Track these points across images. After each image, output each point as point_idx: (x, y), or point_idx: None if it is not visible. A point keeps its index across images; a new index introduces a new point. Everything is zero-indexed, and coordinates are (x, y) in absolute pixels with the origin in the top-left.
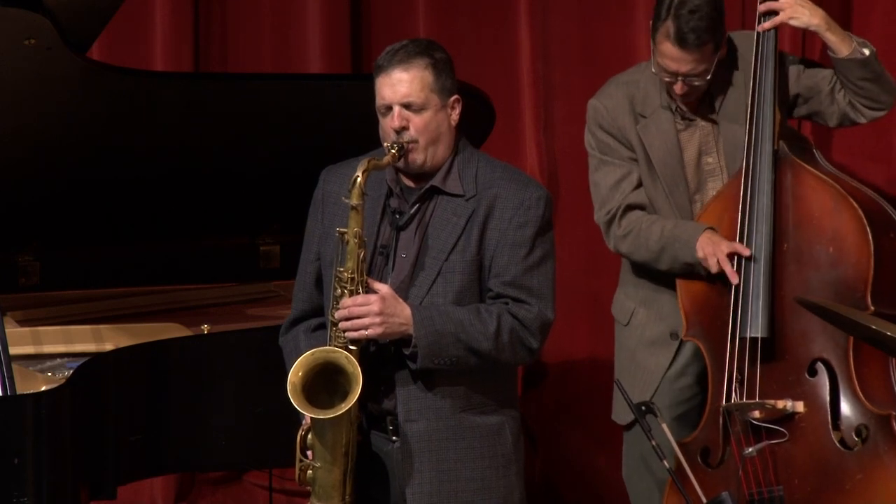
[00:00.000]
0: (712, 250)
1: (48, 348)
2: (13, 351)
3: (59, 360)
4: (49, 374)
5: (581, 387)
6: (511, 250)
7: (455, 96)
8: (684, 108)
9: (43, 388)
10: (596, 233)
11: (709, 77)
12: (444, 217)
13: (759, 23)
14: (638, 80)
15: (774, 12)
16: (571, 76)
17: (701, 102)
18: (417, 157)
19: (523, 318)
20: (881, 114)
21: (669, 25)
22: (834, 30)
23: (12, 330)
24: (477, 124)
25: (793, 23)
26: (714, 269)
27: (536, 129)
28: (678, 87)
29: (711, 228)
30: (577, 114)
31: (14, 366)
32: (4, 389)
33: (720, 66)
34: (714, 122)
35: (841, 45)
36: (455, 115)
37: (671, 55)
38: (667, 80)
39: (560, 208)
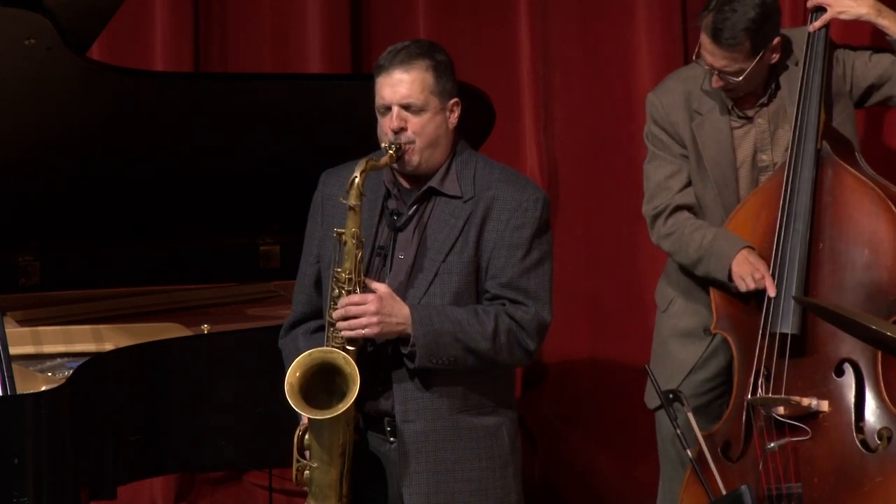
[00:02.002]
0: (748, 270)
1: (48, 348)
2: (13, 351)
3: (59, 360)
4: (49, 374)
5: (581, 387)
6: (508, 252)
7: (455, 99)
8: (734, 104)
9: (43, 388)
10: (597, 232)
11: (742, 78)
12: (442, 218)
13: (811, 21)
14: (697, 75)
15: (823, 8)
16: (571, 76)
17: (759, 98)
18: (413, 159)
19: (520, 319)
20: None
21: (710, 18)
22: (885, 14)
23: (12, 330)
24: (477, 124)
25: (842, 17)
26: (744, 288)
27: (536, 129)
28: (714, 80)
29: (749, 246)
30: (577, 114)
31: (14, 366)
32: (4, 389)
33: (781, 64)
34: (770, 118)
35: (895, 25)
36: (454, 118)
37: (706, 48)
38: (707, 68)
39: (560, 208)
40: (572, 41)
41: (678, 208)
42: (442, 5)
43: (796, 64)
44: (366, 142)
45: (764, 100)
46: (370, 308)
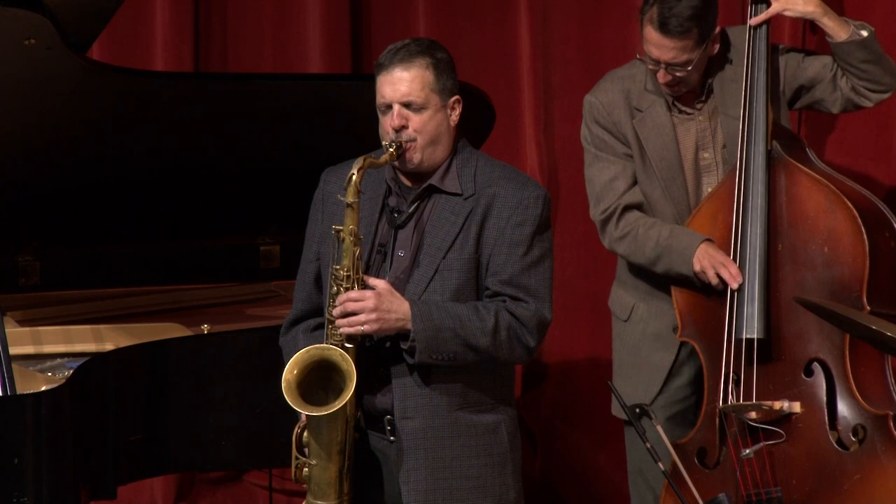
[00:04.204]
0: (709, 263)
1: (48, 348)
2: (13, 351)
3: (59, 360)
4: (49, 374)
5: (581, 386)
6: (509, 248)
7: (455, 97)
8: (674, 100)
9: (43, 388)
10: (595, 232)
11: (690, 68)
12: (443, 216)
13: (751, 15)
14: (634, 74)
15: (766, 3)
16: (571, 76)
17: (698, 96)
18: (414, 157)
19: (521, 315)
20: (886, 96)
21: (654, 11)
22: (830, 15)
23: (12, 330)
24: (477, 124)
25: (787, 13)
26: (713, 281)
27: (536, 129)
28: (660, 76)
29: (709, 239)
30: (577, 114)
31: (14, 366)
32: (4, 389)
33: (716, 60)
34: (710, 116)
35: (839, 29)
36: (455, 115)
37: (653, 41)
38: (651, 67)
39: (560, 208)
40: (572, 41)
41: (627, 208)
42: (442, 5)
43: (730, 62)
44: (366, 142)
45: (702, 97)
46: (368, 305)
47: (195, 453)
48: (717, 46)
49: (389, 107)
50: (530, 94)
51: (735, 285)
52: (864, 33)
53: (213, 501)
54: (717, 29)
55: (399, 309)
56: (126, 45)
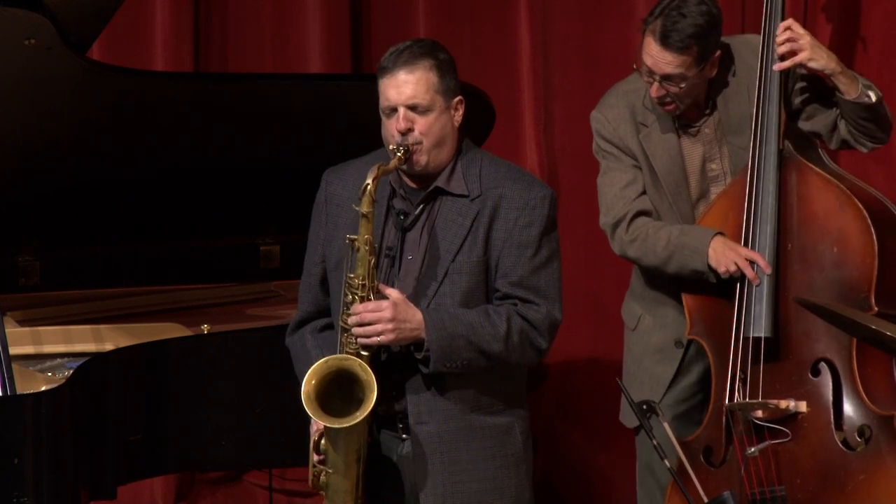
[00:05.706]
0: (728, 257)
1: (48, 348)
2: (13, 351)
3: (59, 360)
4: (49, 374)
5: (582, 387)
6: (518, 250)
7: (458, 97)
8: (679, 115)
9: (43, 388)
10: (597, 232)
11: (684, 86)
12: (450, 218)
13: (767, 57)
14: (639, 88)
15: (793, 51)
16: (571, 76)
17: (702, 110)
18: (421, 159)
19: (532, 318)
20: (880, 145)
21: (658, 23)
22: (846, 73)
23: (12, 330)
24: (477, 124)
25: (811, 64)
26: (724, 272)
27: (536, 129)
28: (653, 90)
29: (720, 233)
30: (577, 114)
31: (14, 366)
32: (4, 389)
33: (720, 76)
34: (716, 128)
35: (850, 87)
36: (458, 116)
37: (652, 53)
38: (646, 79)
39: (560, 208)
40: (572, 41)
41: (638, 214)
42: (442, 5)
43: (734, 75)
44: (366, 142)
45: (706, 111)
46: (385, 315)
47: (195, 453)
48: (714, 70)
49: (394, 110)
50: (530, 94)
51: (757, 283)
52: (872, 98)
53: (213, 501)
54: (718, 52)
55: (413, 318)
56: (126, 45)
